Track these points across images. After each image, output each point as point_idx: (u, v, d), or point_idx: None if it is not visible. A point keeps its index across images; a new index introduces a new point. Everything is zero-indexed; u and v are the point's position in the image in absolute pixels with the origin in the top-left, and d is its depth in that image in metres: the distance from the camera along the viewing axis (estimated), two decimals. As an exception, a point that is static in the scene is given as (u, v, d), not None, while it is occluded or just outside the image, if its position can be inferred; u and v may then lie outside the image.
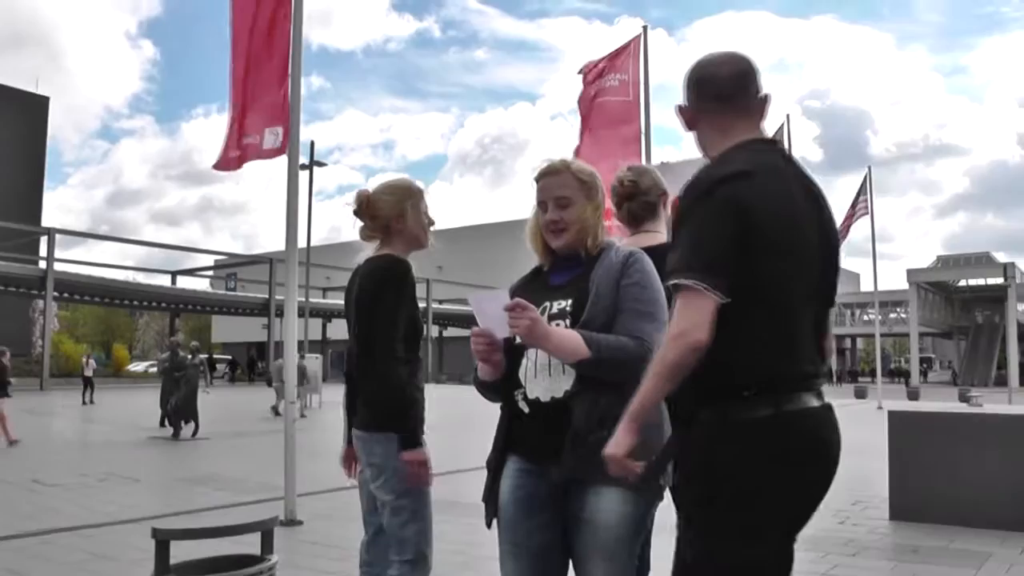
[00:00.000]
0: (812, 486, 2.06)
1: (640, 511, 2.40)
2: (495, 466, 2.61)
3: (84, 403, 26.32)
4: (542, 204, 2.62)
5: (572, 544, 2.46)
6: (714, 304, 1.92)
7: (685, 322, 1.92)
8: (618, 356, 2.35)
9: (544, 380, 2.48)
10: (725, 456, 1.98)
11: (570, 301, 2.51)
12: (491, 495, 2.60)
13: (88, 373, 28.20)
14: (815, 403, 2.05)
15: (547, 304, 2.53)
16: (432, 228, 3.42)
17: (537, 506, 2.50)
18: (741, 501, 1.97)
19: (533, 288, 2.64)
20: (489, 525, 2.62)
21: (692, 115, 2.23)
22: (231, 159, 7.51)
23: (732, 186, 1.98)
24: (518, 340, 2.48)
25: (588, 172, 2.63)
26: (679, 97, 2.28)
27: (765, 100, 2.19)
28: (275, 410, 20.30)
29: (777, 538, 2.03)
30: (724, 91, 2.16)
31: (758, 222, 1.95)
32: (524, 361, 2.54)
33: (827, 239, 2.12)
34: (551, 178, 2.61)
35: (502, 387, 2.58)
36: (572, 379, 2.43)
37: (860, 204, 24.15)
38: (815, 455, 2.05)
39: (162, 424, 15.70)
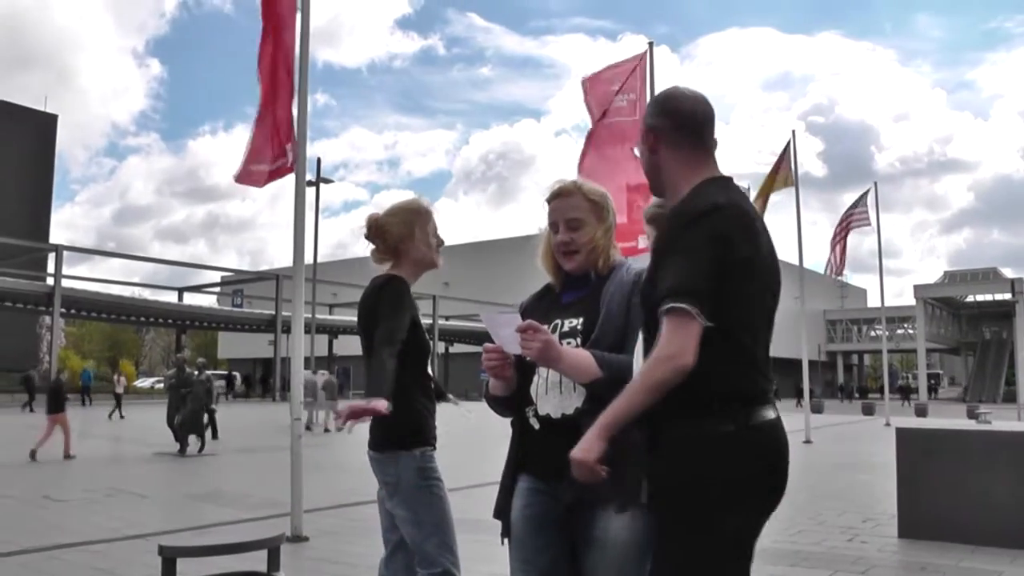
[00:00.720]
0: (774, 492, 2.14)
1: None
2: (508, 483, 2.63)
3: (113, 418, 26.85)
4: (553, 225, 2.64)
5: (582, 563, 2.46)
6: (700, 328, 2.02)
7: (675, 345, 2.01)
8: (628, 376, 2.34)
9: (555, 397, 2.51)
10: (702, 468, 2.06)
11: (581, 319, 2.54)
12: (504, 511, 2.62)
13: (119, 390, 29.34)
14: (773, 415, 2.16)
15: (558, 322, 2.56)
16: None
17: (547, 524, 2.51)
18: (718, 511, 2.04)
19: (544, 305, 2.68)
20: (503, 541, 2.64)
21: (660, 140, 2.29)
22: (257, 173, 7.52)
23: (713, 218, 2.09)
24: (516, 355, 2.50)
25: (599, 193, 2.66)
26: None
27: (716, 144, 2.35)
28: (307, 426, 20.11)
29: (751, 545, 2.12)
30: (697, 128, 2.29)
31: (734, 251, 2.08)
32: (536, 378, 2.56)
33: (776, 266, 2.27)
34: (562, 200, 2.64)
35: (514, 403, 2.61)
36: (583, 397, 2.46)
37: (858, 215, 23.93)
38: (778, 464, 2.15)
39: (177, 439, 15.65)
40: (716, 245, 2.06)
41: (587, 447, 2.08)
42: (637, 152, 2.42)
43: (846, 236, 23.48)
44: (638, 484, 2.25)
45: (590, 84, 10.53)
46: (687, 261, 2.05)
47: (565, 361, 2.38)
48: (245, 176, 7.60)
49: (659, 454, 2.13)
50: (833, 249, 23.45)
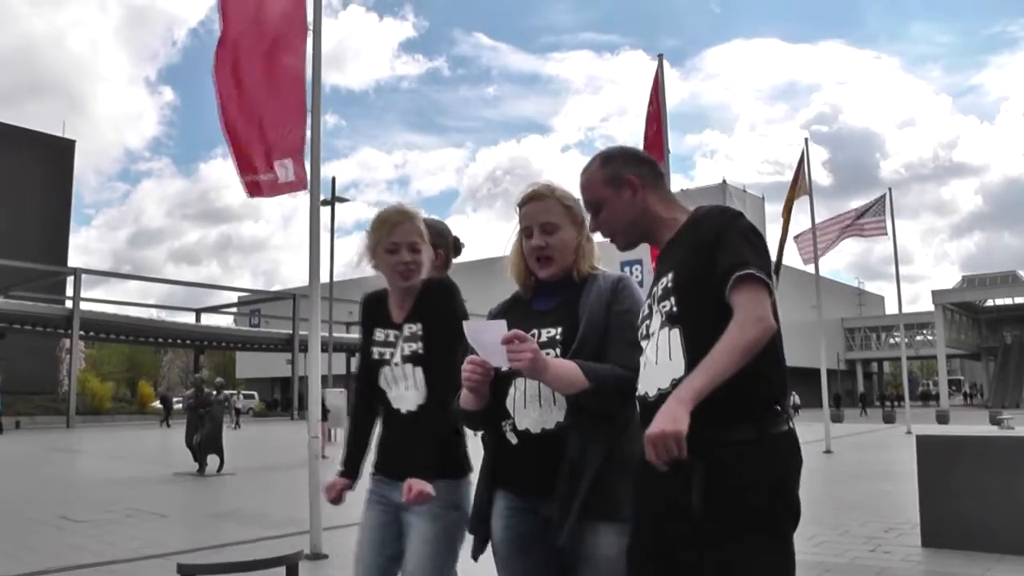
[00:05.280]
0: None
1: None
2: (482, 498, 2.53)
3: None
4: (527, 230, 2.55)
5: None
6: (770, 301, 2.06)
7: (762, 308, 2.02)
8: (616, 387, 2.29)
9: (534, 411, 2.39)
10: (773, 470, 2.04)
11: (560, 329, 2.43)
12: (480, 526, 2.52)
13: (239, 405, 36.50)
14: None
15: (535, 331, 2.44)
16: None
17: (530, 544, 2.43)
18: (787, 511, 2.04)
19: (516, 314, 2.53)
20: (475, 557, 2.53)
21: (645, 185, 2.35)
22: (265, 183, 7.57)
23: (745, 217, 2.20)
24: (505, 369, 2.36)
25: (573, 198, 2.56)
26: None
27: None
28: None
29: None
30: (657, 172, 2.43)
31: (766, 246, 2.17)
32: (512, 390, 2.44)
33: None
34: (536, 203, 2.55)
35: (487, 417, 2.49)
36: (564, 411, 2.36)
37: (873, 223, 23.67)
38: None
39: (196, 460, 15.70)
40: (761, 239, 2.15)
41: (674, 418, 1.89)
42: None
43: (842, 238, 23.11)
44: (624, 497, 2.20)
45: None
46: (747, 242, 2.10)
47: (551, 371, 2.27)
48: (254, 188, 7.62)
49: (723, 459, 2.01)
50: (824, 245, 22.33)
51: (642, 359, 2.22)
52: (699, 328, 2.07)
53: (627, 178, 2.32)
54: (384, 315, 2.98)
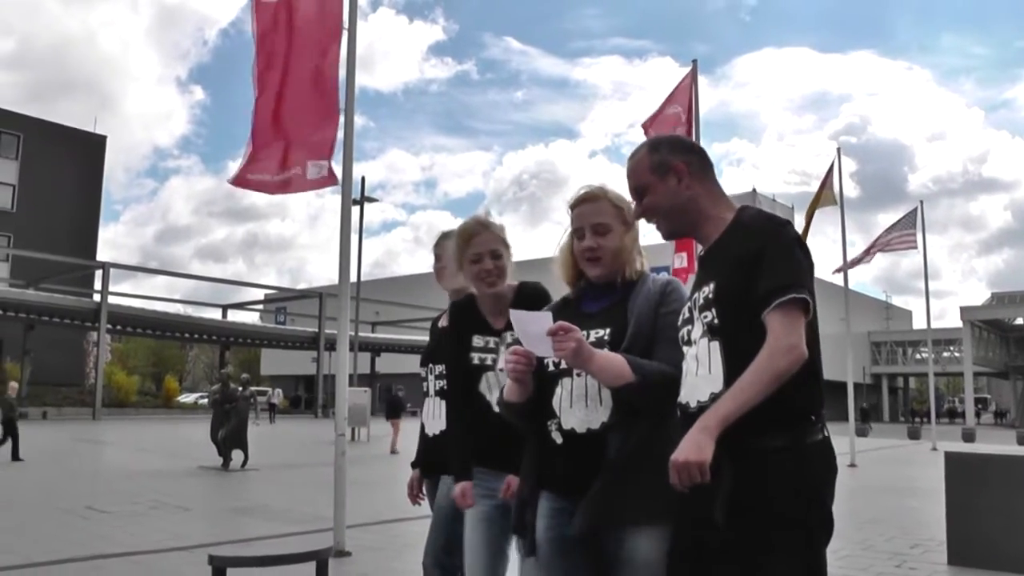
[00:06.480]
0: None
1: None
2: (528, 498, 2.52)
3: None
4: (578, 231, 2.57)
5: None
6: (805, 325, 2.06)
7: (795, 336, 2.01)
8: (662, 383, 2.29)
9: (580, 410, 2.40)
10: (806, 479, 2.03)
11: (608, 330, 2.44)
12: (524, 525, 2.51)
13: (275, 401, 40.68)
14: None
15: (584, 333, 2.40)
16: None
17: (571, 546, 2.41)
18: (820, 522, 2.04)
19: (564, 315, 2.50)
20: (527, 555, 2.51)
21: (693, 175, 2.33)
22: (263, 182, 7.64)
23: (792, 228, 2.18)
24: (551, 366, 2.42)
25: (624, 200, 2.58)
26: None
27: None
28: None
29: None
30: (707, 163, 2.39)
31: (810, 260, 2.15)
32: (558, 389, 2.44)
33: None
34: (588, 205, 2.57)
35: (533, 414, 2.50)
36: (609, 411, 2.37)
37: (905, 237, 23.48)
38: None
39: (220, 454, 15.81)
40: (806, 252, 2.13)
41: (699, 446, 1.94)
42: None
43: (875, 251, 22.98)
44: (665, 499, 2.18)
45: (653, 125, 10.70)
46: (791, 260, 2.09)
47: (596, 362, 2.28)
48: (250, 183, 7.69)
49: (751, 466, 2.01)
50: (857, 258, 22.69)
51: (684, 365, 2.24)
52: (738, 343, 2.08)
53: (673, 165, 2.32)
54: (480, 322, 3.11)
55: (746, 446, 1.99)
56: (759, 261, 2.09)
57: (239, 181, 7.65)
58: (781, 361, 1.98)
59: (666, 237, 2.45)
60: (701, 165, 2.36)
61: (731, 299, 2.12)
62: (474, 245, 3.00)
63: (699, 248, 2.44)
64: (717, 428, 1.96)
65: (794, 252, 2.11)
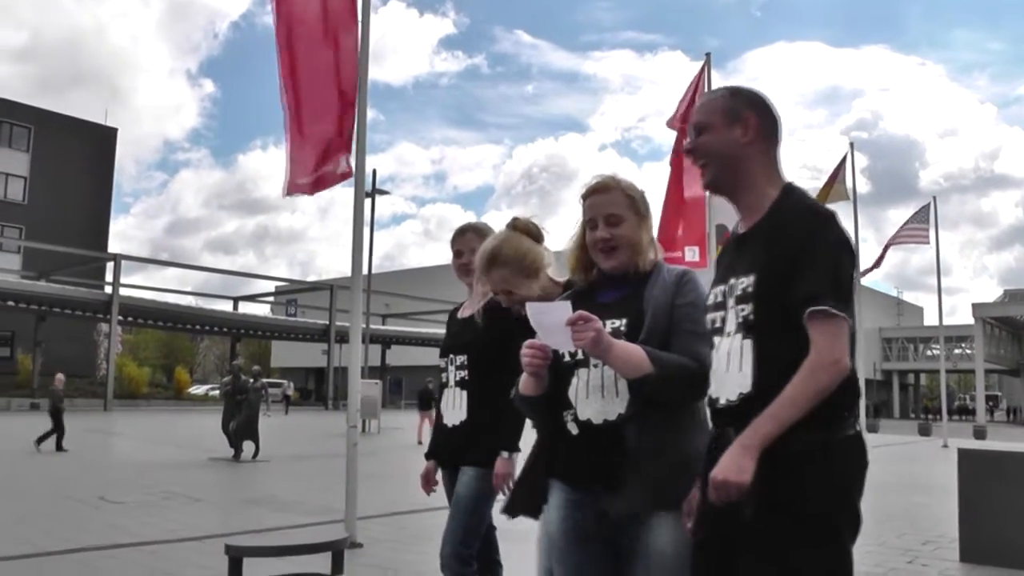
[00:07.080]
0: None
1: None
2: (533, 481, 2.54)
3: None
4: (591, 222, 2.54)
5: (627, 574, 2.39)
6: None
7: (839, 349, 1.98)
8: (680, 374, 2.28)
9: (596, 401, 2.39)
10: (836, 476, 2.01)
11: (624, 321, 2.42)
12: (521, 504, 2.57)
13: (289, 392, 43.24)
14: None
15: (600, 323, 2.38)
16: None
17: (586, 537, 2.42)
18: (849, 519, 2.02)
19: (579, 306, 2.42)
20: (511, 516, 2.61)
21: (758, 132, 2.23)
22: (302, 185, 7.70)
23: (839, 224, 2.09)
24: (567, 356, 2.41)
25: (637, 190, 2.58)
26: None
27: None
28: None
29: None
30: (776, 131, 2.28)
31: (854, 260, 2.13)
32: (574, 380, 2.44)
33: None
34: (601, 195, 2.54)
35: (548, 406, 2.49)
36: (626, 402, 2.36)
37: (918, 231, 23.41)
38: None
39: (231, 445, 15.86)
40: (849, 252, 2.08)
41: (740, 467, 1.93)
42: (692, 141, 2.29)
43: (890, 245, 23.00)
44: (682, 490, 2.23)
45: (680, 122, 10.70)
46: (832, 263, 2.03)
47: (615, 352, 2.26)
48: (295, 188, 7.77)
49: (784, 461, 1.97)
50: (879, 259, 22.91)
51: (714, 354, 2.20)
52: (771, 346, 2.05)
53: (745, 116, 2.23)
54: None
55: (778, 441, 1.96)
56: (798, 260, 2.03)
57: (293, 189, 7.72)
58: (824, 377, 1.96)
59: (706, 184, 2.32)
60: (772, 130, 2.27)
61: (770, 297, 2.06)
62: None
63: (735, 223, 2.33)
64: (758, 448, 1.94)
65: (835, 257, 2.04)
